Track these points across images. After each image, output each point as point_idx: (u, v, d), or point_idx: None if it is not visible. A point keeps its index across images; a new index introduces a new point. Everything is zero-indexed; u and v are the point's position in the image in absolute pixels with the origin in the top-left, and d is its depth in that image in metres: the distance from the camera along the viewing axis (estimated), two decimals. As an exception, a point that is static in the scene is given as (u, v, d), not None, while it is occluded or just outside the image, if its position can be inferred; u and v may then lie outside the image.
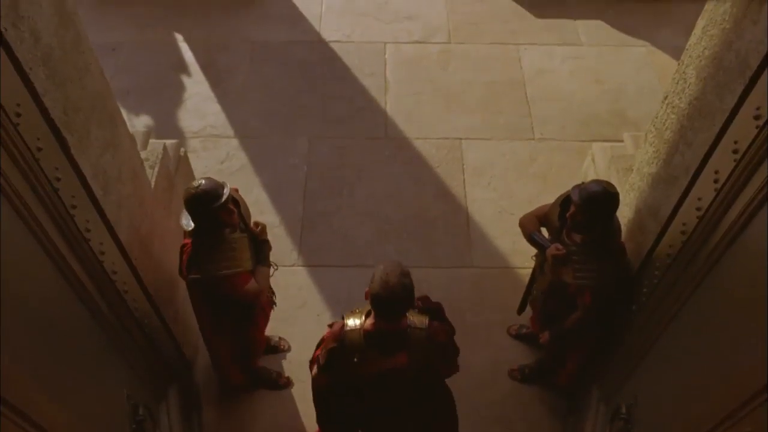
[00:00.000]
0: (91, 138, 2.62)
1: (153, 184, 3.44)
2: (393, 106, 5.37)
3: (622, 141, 4.20)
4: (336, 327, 2.64)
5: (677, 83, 2.90)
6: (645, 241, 3.06)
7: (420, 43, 5.88)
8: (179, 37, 5.91)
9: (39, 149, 2.15)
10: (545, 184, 4.81)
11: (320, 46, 5.84)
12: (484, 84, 5.52)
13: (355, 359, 2.53)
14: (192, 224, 3.04)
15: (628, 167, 3.61)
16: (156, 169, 3.52)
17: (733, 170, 2.31)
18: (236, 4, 6.17)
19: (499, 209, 4.68)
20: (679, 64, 2.93)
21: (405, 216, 4.66)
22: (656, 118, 3.14)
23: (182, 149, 4.10)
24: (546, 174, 4.90)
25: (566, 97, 5.44)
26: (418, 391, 2.73)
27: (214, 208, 2.92)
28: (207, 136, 5.14)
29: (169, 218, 3.64)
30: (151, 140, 3.83)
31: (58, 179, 2.29)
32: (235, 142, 5.10)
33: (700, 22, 2.73)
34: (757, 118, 2.14)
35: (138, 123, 5.16)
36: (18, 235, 2.14)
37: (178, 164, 3.93)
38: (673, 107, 2.92)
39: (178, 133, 5.10)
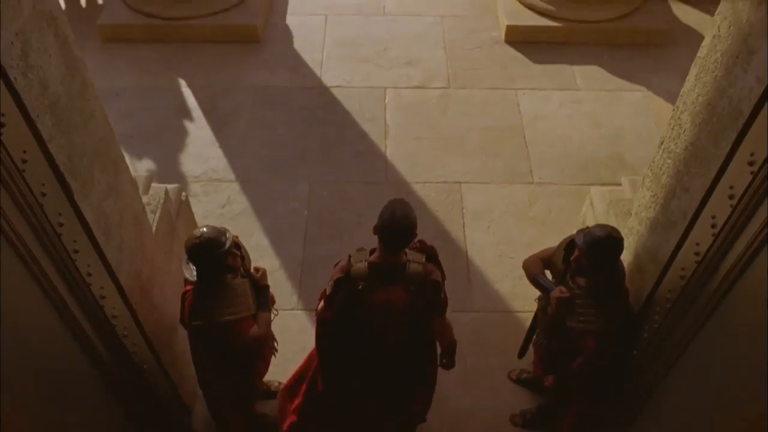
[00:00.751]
0: (95, 183, 2.65)
1: (154, 228, 3.46)
2: (393, 150, 5.43)
3: (620, 185, 4.24)
4: (343, 262, 2.95)
5: (673, 129, 2.95)
6: (644, 285, 3.07)
7: (420, 88, 5.98)
8: (182, 83, 6.01)
9: (43, 195, 2.18)
10: (544, 227, 4.83)
11: (321, 91, 5.94)
12: (483, 128, 5.59)
13: (360, 287, 2.83)
14: (195, 274, 3.05)
15: (626, 211, 3.64)
16: (157, 213, 3.54)
17: (730, 216, 2.33)
18: (239, 51, 6.30)
19: (499, 253, 4.69)
20: (674, 109, 2.97)
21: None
22: (653, 162, 3.18)
23: (183, 194, 4.13)
24: (545, 218, 4.92)
25: (564, 141, 5.51)
26: (412, 328, 3.02)
27: (218, 254, 2.94)
28: (208, 180, 5.19)
29: (170, 263, 3.65)
30: (153, 184, 3.86)
31: (61, 224, 2.32)
32: (236, 186, 5.14)
33: (693, 70, 2.79)
34: (751, 164, 2.17)
35: (140, 167, 5.21)
36: (19, 280, 2.16)
37: (179, 209, 3.96)
38: (669, 152, 2.96)
39: (179, 178, 5.15)
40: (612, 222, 3.67)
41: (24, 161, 2.04)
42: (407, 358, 3.16)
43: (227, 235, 3.00)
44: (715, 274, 2.49)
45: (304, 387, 3.48)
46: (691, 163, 2.71)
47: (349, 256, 2.93)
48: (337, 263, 2.99)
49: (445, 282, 3.03)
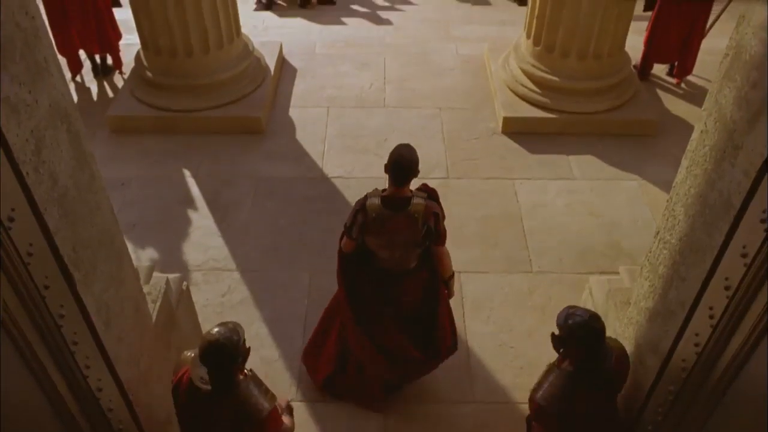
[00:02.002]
0: (97, 274, 2.68)
1: (154, 318, 3.46)
2: (393, 238, 5.46)
3: (618, 273, 4.27)
4: (360, 199, 3.58)
5: (667, 219, 3.00)
6: (646, 376, 3.04)
7: (419, 178, 6.05)
8: (187, 173, 6.13)
9: (46, 287, 2.20)
10: (544, 316, 4.81)
11: (322, 182, 6.05)
12: (481, 218, 5.66)
13: (374, 215, 3.48)
14: (209, 380, 2.83)
15: (625, 301, 3.65)
16: (158, 303, 3.55)
17: (727, 306, 2.35)
18: (243, 142, 6.46)
19: (499, 342, 4.66)
20: (667, 200, 3.04)
21: (405, 349, 4.62)
22: (650, 252, 3.22)
23: (184, 283, 4.15)
24: (545, 306, 4.91)
25: (562, 229, 5.56)
26: (419, 254, 3.70)
27: (239, 352, 2.80)
28: (209, 269, 5.21)
29: (168, 353, 3.63)
30: (155, 274, 3.89)
31: (62, 316, 2.33)
32: (236, 275, 5.16)
33: (684, 162, 2.87)
34: (744, 256, 2.20)
35: (143, 255, 5.25)
36: (15, 372, 2.15)
37: (179, 298, 3.97)
38: (665, 243, 3.00)
39: (181, 266, 5.18)
40: (611, 312, 3.67)
41: (30, 254, 2.08)
42: (418, 282, 3.81)
43: (240, 329, 2.84)
44: (717, 366, 2.48)
45: (331, 340, 4.17)
46: (686, 253, 2.75)
47: (366, 195, 3.58)
48: (357, 201, 3.61)
49: (445, 234, 3.69)
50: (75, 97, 6.98)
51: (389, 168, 3.46)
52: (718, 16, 7.35)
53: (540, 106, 6.65)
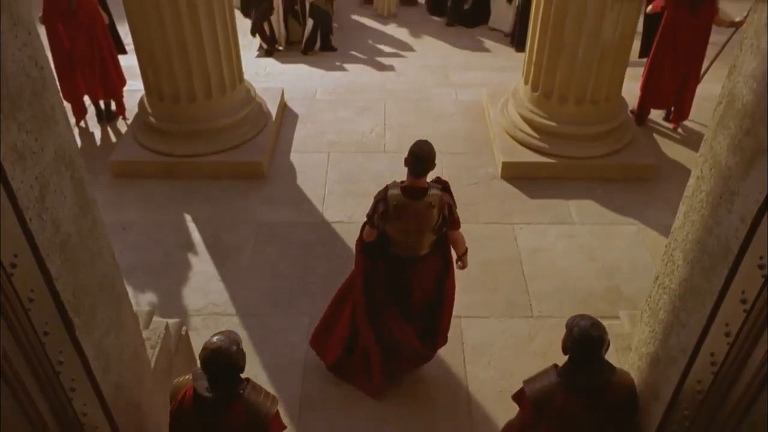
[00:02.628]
0: (97, 319, 2.68)
1: (153, 364, 3.44)
2: (393, 283, 5.45)
3: (618, 317, 4.25)
4: (381, 190, 3.92)
5: (666, 265, 3.01)
6: (649, 423, 3.01)
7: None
8: (188, 217, 6.16)
9: (46, 333, 2.20)
10: (545, 361, 4.73)
11: (322, 226, 6.07)
12: (481, 262, 5.65)
13: (395, 203, 3.82)
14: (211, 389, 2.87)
15: (626, 346, 3.64)
16: (157, 348, 3.54)
17: (728, 353, 2.34)
18: (244, 187, 6.51)
19: (500, 388, 4.60)
20: (666, 246, 3.05)
21: (405, 395, 4.58)
22: (650, 297, 3.21)
23: (184, 328, 4.14)
24: (546, 351, 4.88)
25: (562, 274, 5.56)
26: (433, 242, 4.05)
27: (240, 356, 2.87)
28: (209, 314, 5.19)
29: (166, 398, 3.59)
30: (154, 318, 3.88)
31: (61, 363, 2.32)
32: (236, 320, 5.14)
33: (682, 207, 2.89)
34: (743, 302, 2.21)
35: (143, 300, 5.24)
36: (12, 419, 2.13)
37: (178, 343, 3.95)
38: (665, 288, 3.00)
39: (181, 311, 5.16)
40: (612, 357, 3.64)
41: (30, 300, 2.09)
42: (430, 270, 4.13)
43: (233, 336, 2.91)
44: (720, 413, 2.46)
45: (342, 321, 4.44)
46: (686, 299, 2.75)
47: (386, 186, 3.92)
48: (378, 193, 3.93)
49: (459, 220, 4.04)
50: (78, 142, 7.05)
51: (409, 160, 3.78)
52: (712, 62, 7.49)
53: (539, 151, 6.71)
